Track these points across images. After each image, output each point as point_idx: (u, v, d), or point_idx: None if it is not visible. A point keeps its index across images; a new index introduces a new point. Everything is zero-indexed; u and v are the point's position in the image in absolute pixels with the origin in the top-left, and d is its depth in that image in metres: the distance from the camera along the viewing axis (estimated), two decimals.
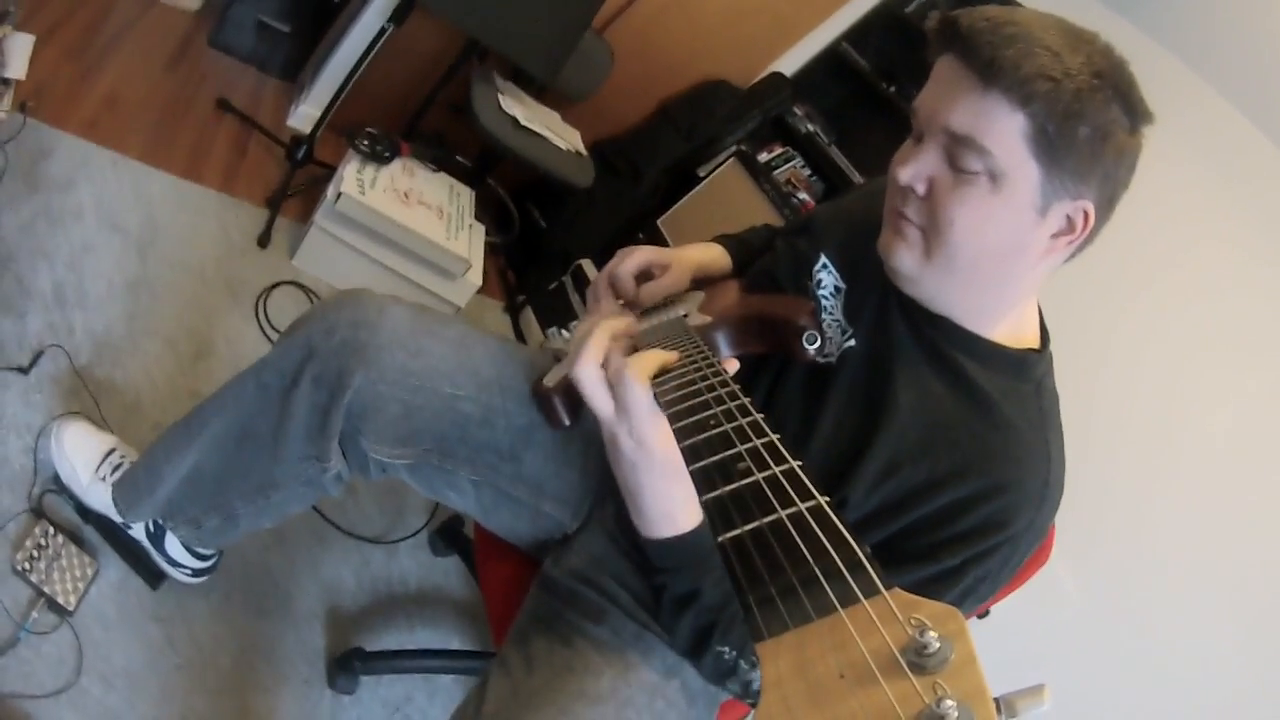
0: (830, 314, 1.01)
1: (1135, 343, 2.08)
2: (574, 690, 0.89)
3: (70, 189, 1.81)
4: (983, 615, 1.30)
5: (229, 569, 1.46)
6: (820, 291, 1.04)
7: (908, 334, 0.95)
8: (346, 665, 1.47)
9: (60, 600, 1.23)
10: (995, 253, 0.86)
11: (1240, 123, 2.10)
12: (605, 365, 0.79)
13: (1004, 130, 0.80)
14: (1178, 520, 1.91)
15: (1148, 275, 2.05)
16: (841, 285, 1.03)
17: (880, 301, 0.97)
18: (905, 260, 0.90)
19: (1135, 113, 0.81)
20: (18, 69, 1.65)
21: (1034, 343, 0.96)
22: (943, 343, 0.93)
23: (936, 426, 0.89)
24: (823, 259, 1.06)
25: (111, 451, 1.34)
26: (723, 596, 0.86)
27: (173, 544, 1.31)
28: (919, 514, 0.87)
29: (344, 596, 1.63)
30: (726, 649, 0.87)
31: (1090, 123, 0.78)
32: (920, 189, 0.87)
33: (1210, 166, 2.09)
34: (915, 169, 0.86)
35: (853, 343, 0.98)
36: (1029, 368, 0.93)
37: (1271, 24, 2.09)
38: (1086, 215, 0.83)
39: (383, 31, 2.15)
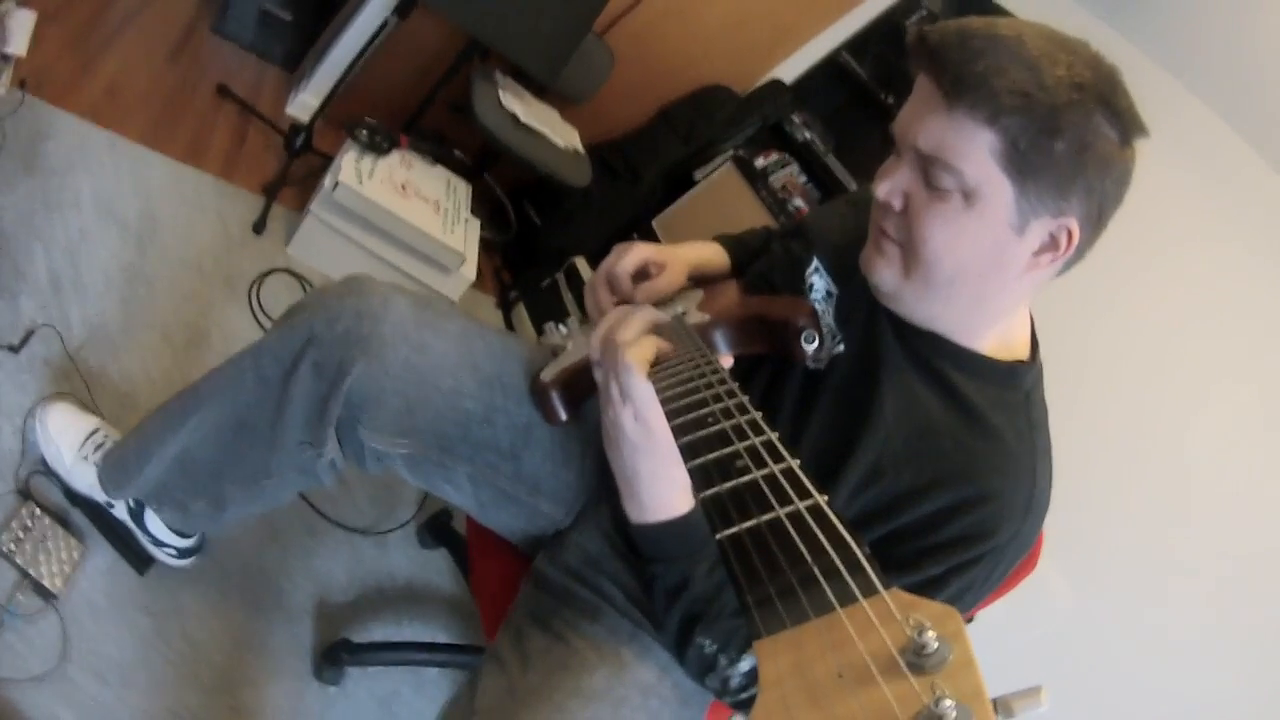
0: (822, 319, 1.01)
1: (1127, 352, 2.10)
2: (569, 688, 0.89)
3: (68, 173, 1.79)
4: (967, 622, 1.30)
5: (221, 561, 1.46)
6: (812, 295, 1.04)
7: (895, 341, 0.95)
8: (333, 657, 1.47)
9: (46, 583, 1.22)
10: (973, 270, 0.85)
11: (1226, 134, 2.12)
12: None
13: (971, 148, 0.79)
14: (1169, 527, 1.92)
15: (1139, 286, 2.06)
16: (833, 290, 1.03)
17: (869, 308, 0.97)
18: (885, 277, 0.91)
19: (1124, 125, 0.79)
20: (18, 45, 1.64)
21: (1023, 354, 0.95)
22: (929, 353, 0.93)
23: (922, 434, 0.89)
24: (815, 263, 1.06)
25: (95, 432, 1.33)
26: (712, 589, 0.87)
27: (154, 522, 1.30)
28: (903, 521, 0.87)
29: (334, 590, 1.63)
30: (708, 641, 0.87)
31: (1068, 137, 0.77)
32: (896, 204, 0.87)
33: (1201, 179, 2.11)
34: (890, 185, 0.86)
35: (842, 348, 0.98)
36: (1017, 379, 0.93)
37: (1262, 40, 2.11)
38: (1070, 233, 0.82)
39: (385, 24, 2.15)
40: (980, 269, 0.85)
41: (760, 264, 1.18)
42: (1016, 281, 0.87)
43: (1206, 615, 1.84)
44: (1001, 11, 2.54)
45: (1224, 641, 1.83)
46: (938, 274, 0.86)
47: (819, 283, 1.04)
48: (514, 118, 2.35)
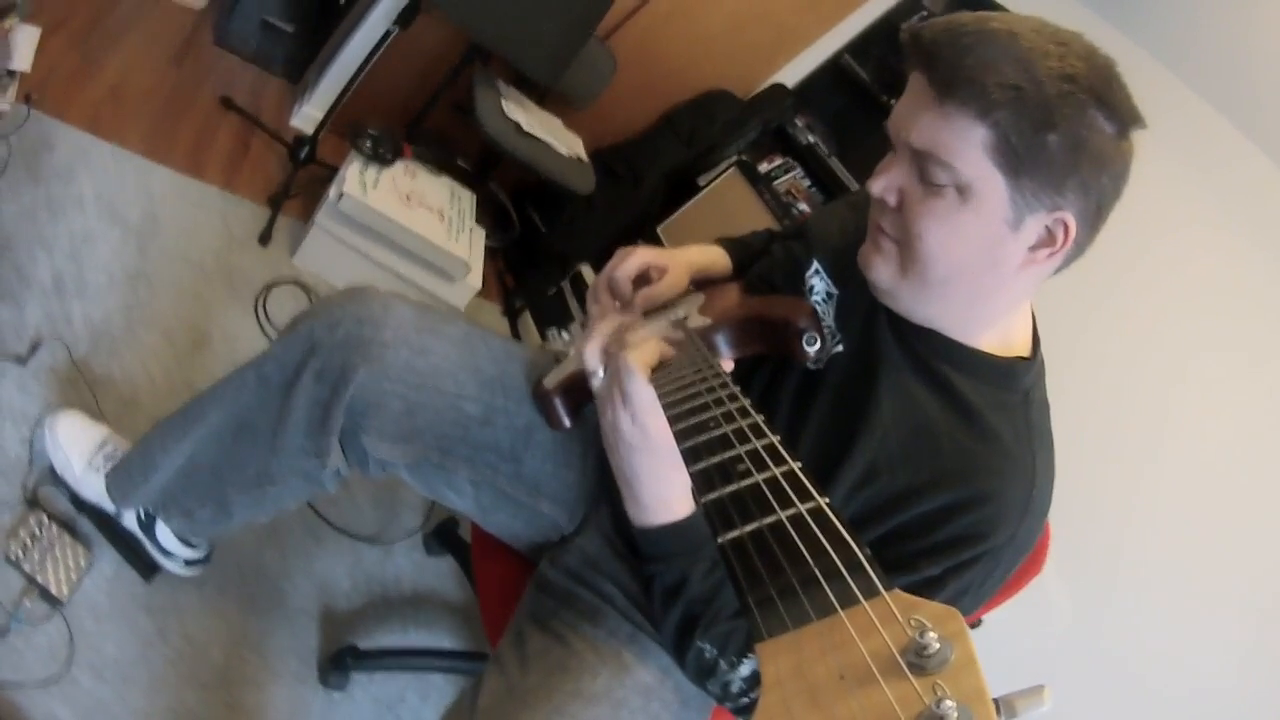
0: (822, 320, 1.01)
1: (1128, 350, 2.09)
2: (569, 690, 0.89)
3: (71, 180, 1.81)
4: (974, 625, 1.30)
5: (223, 565, 1.46)
6: (813, 297, 1.04)
7: (894, 342, 0.94)
8: (339, 662, 1.47)
9: (53, 590, 1.23)
10: (969, 266, 0.85)
11: (1223, 126, 2.11)
12: (608, 356, 0.80)
13: (963, 143, 0.78)
14: (1170, 526, 1.91)
15: (1141, 281, 2.05)
16: (833, 291, 1.03)
17: (869, 309, 0.97)
18: (881, 273, 0.90)
19: (1120, 118, 0.78)
20: (23, 61, 1.65)
21: (1024, 350, 0.95)
22: (927, 353, 0.92)
23: (919, 434, 0.89)
24: (815, 264, 1.06)
25: (105, 443, 1.34)
26: (709, 591, 0.86)
27: (164, 533, 1.30)
28: (898, 522, 0.87)
29: (338, 595, 1.63)
30: (707, 646, 0.87)
31: (1061, 131, 0.76)
32: (891, 200, 0.87)
33: (1200, 173, 2.10)
34: (885, 181, 0.86)
35: (840, 348, 0.98)
36: (1017, 377, 0.92)
37: (1257, 31, 2.10)
38: (1066, 227, 0.81)
39: (387, 34, 2.15)
40: (976, 265, 0.85)
41: (761, 265, 1.18)
42: (1014, 278, 0.87)
43: (1210, 614, 1.84)
44: (999, 9, 2.54)
45: (1227, 641, 1.82)
46: (934, 271, 0.86)
47: (819, 284, 1.04)
48: (517, 126, 2.36)
